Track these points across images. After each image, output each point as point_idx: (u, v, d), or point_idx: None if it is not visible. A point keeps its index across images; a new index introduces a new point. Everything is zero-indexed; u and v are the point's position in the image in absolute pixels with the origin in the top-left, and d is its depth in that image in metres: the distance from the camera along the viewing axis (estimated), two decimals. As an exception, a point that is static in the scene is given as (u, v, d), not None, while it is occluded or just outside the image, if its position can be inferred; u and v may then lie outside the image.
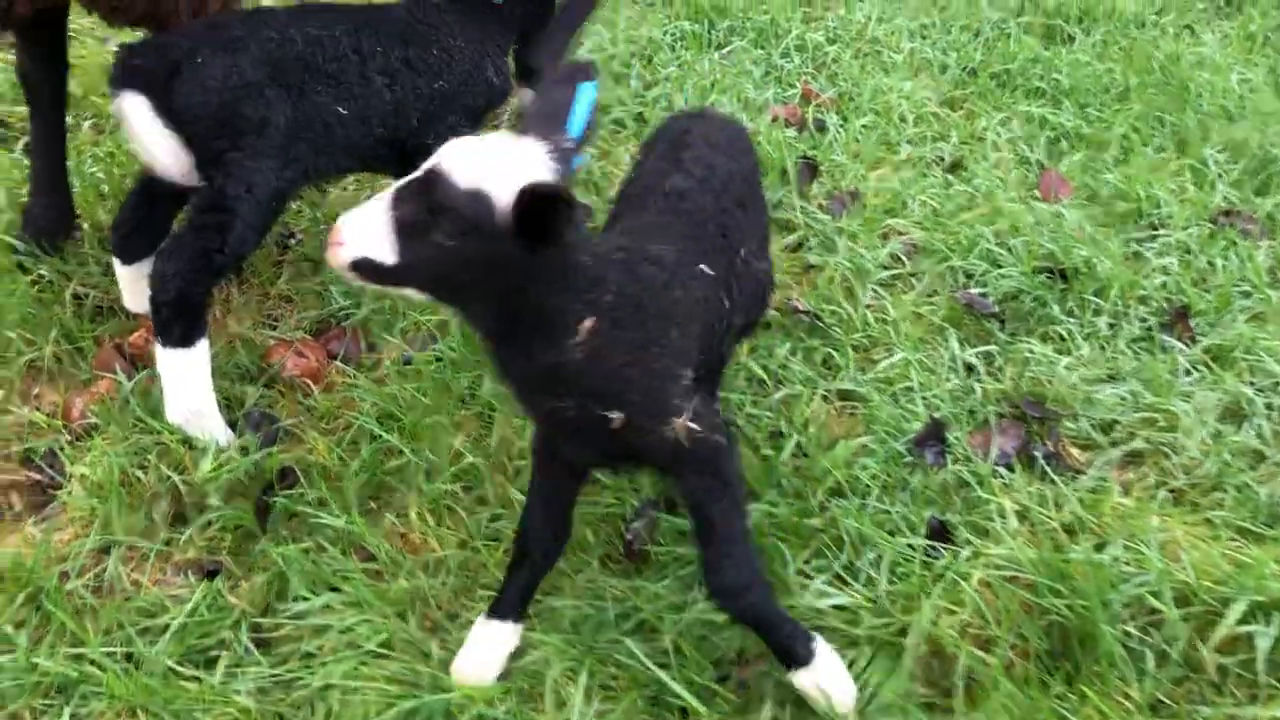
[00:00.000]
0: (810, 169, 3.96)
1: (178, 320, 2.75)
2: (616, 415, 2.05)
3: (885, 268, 3.53)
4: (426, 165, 1.87)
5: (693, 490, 2.17)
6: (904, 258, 3.59)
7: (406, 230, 1.84)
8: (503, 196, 1.83)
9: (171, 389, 2.82)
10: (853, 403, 3.06)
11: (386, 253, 1.85)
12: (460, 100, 3.10)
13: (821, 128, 4.31)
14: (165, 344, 2.77)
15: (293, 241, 3.55)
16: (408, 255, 1.85)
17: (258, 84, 2.72)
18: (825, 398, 3.06)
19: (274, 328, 3.25)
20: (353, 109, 2.88)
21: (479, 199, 1.83)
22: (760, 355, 3.14)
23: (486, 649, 2.31)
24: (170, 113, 2.72)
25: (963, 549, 2.55)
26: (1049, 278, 3.46)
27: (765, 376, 3.09)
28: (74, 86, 3.88)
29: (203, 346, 2.82)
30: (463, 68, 3.09)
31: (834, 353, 3.17)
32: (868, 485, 2.73)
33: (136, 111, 2.74)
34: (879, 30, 5.12)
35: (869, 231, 3.68)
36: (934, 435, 2.86)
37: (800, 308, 3.30)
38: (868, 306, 3.34)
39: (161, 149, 2.76)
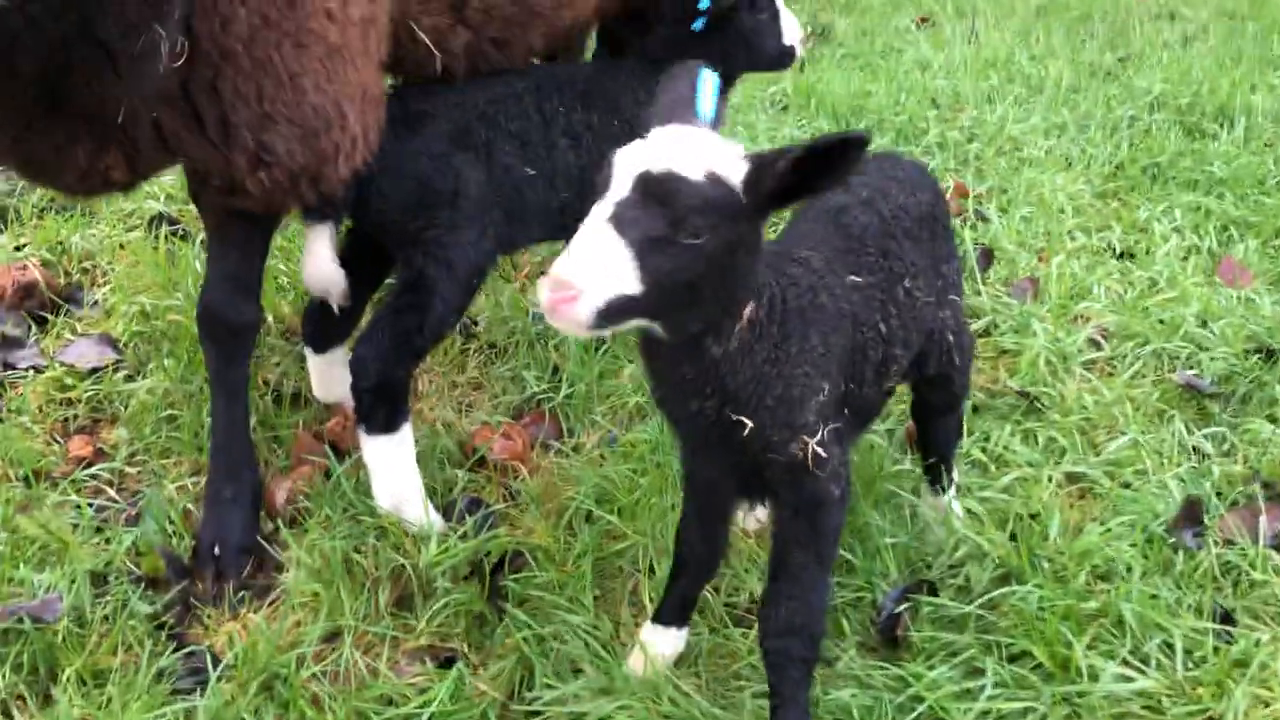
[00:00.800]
0: (987, 255, 3.89)
1: (381, 405, 2.67)
2: (747, 422, 1.95)
3: (1081, 351, 3.42)
4: (626, 175, 1.74)
5: (785, 525, 2.10)
6: (1101, 341, 3.48)
7: (649, 247, 1.69)
8: (734, 175, 1.76)
9: (379, 475, 2.72)
10: (1083, 485, 2.91)
11: (632, 282, 1.69)
12: None
13: (983, 218, 4.25)
14: (370, 430, 2.69)
15: (476, 328, 3.49)
16: (654, 274, 1.70)
17: (444, 154, 2.67)
18: (1054, 480, 2.90)
19: (468, 415, 3.16)
20: (541, 170, 2.81)
21: (718, 184, 1.74)
22: (978, 439, 3.00)
23: (654, 651, 2.35)
24: (364, 208, 2.69)
25: (1260, 633, 2.36)
26: (1262, 358, 3.33)
27: (987, 460, 2.95)
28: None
29: (406, 431, 2.73)
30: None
31: (1056, 435, 3.03)
32: (1128, 568, 2.56)
33: (320, 240, 2.72)
34: (1014, 129, 5.11)
35: (1058, 316, 3.57)
36: (1191, 517, 2.69)
37: (1015, 388, 3.18)
38: (1080, 389, 3.21)
39: (330, 278, 2.76)
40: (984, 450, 2.96)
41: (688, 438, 2.17)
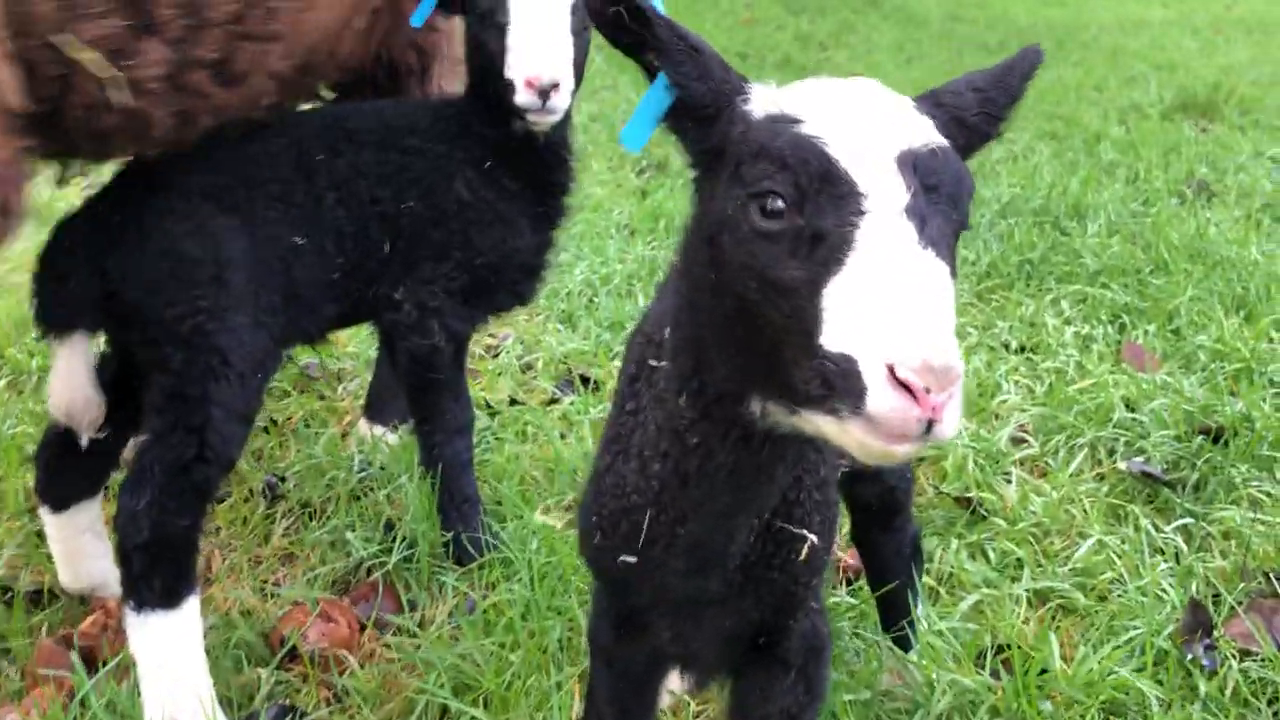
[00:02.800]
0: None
1: (156, 569, 1.97)
2: (809, 536, 1.40)
3: (1007, 451, 2.95)
4: (881, 157, 1.09)
5: (773, 696, 1.54)
6: (1027, 437, 3.02)
7: (950, 256, 1.09)
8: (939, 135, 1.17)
9: (150, 677, 1.99)
10: (1055, 602, 2.38)
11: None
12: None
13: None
14: (140, 606, 1.97)
15: (284, 486, 2.77)
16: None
17: (199, 216, 2.04)
18: (1019, 600, 2.36)
19: (274, 596, 2.42)
20: (311, 235, 2.18)
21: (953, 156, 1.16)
22: (926, 558, 2.44)
23: None
24: (109, 294, 2.02)
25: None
26: (1208, 440, 2.92)
27: (936, 584, 2.39)
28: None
29: (192, 609, 2.02)
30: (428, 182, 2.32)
31: (1010, 546, 2.51)
32: (1143, 697, 2.00)
33: (69, 350, 2.07)
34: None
35: (974, 415, 3.12)
36: (1197, 626, 2.18)
37: (951, 494, 2.66)
38: (1022, 491, 2.72)
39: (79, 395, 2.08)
40: (937, 573, 2.41)
41: (693, 595, 1.48)
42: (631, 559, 1.40)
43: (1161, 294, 4.02)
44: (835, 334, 1.02)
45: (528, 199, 2.36)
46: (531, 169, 2.35)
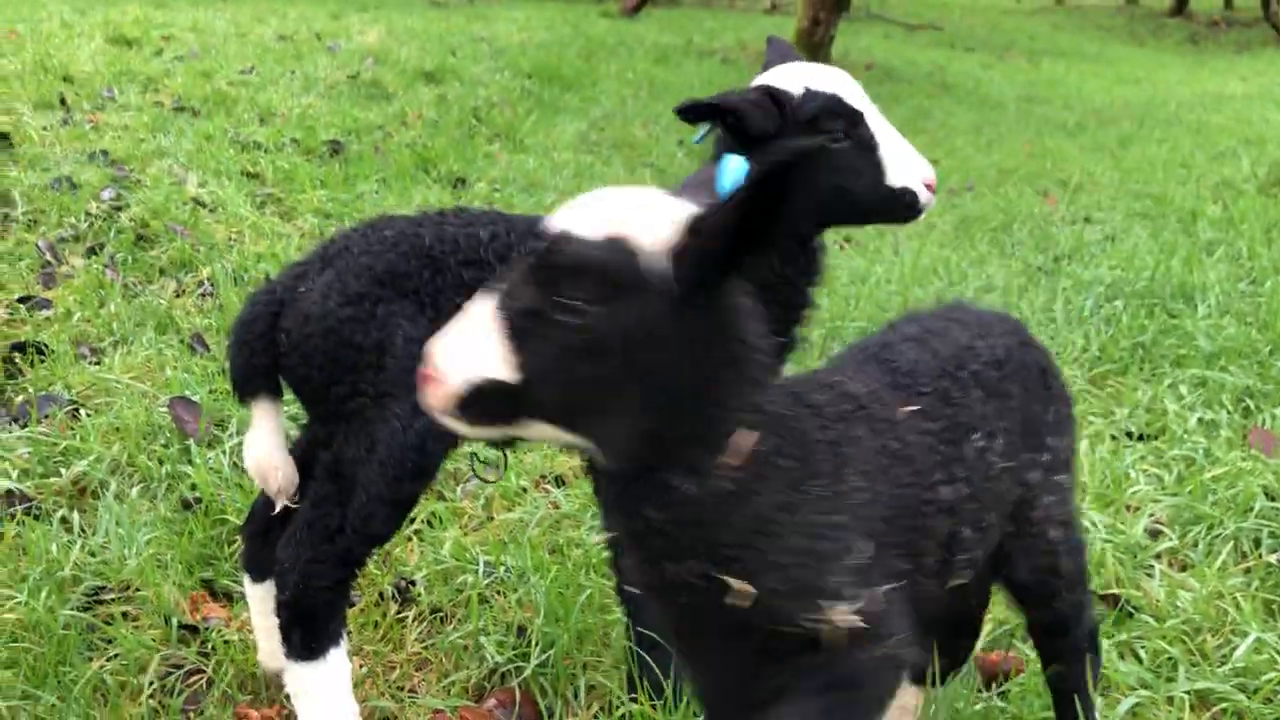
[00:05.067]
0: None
1: (296, 625, 2.06)
2: (738, 585, 1.42)
3: (1145, 545, 2.86)
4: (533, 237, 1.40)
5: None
6: (1165, 529, 2.93)
7: (526, 322, 1.33)
8: (652, 240, 1.33)
9: (304, 711, 2.11)
10: (1216, 707, 2.28)
11: (503, 367, 1.32)
12: None
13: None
14: (287, 655, 2.09)
15: (414, 590, 2.78)
16: (534, 358, 1.32)
17: (370, 300, 2.05)
18: (1176, 703, 2.27)
19: (412, 703, 2.42)
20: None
21: (617, 248, 1.32)
22: (1072, 657, 2.36)
23: None
24: (282, 364, 2.11)
25: None
26: (1362, 527, 2.81)
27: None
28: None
29: (336, 659, 2.09)
30: None
31: (1162, 644, 2.42)
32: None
33: (261, 414, 2.13)
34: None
35: (1104, 506, 3.04)
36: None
37: (1100, 592, 2.58)
38: (1169, 586, 2.63)
39: (267, 460, 2.13)
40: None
41: (674, 627, 1.59)
42: None
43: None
44: None
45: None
46: (783, 299, 2.25)
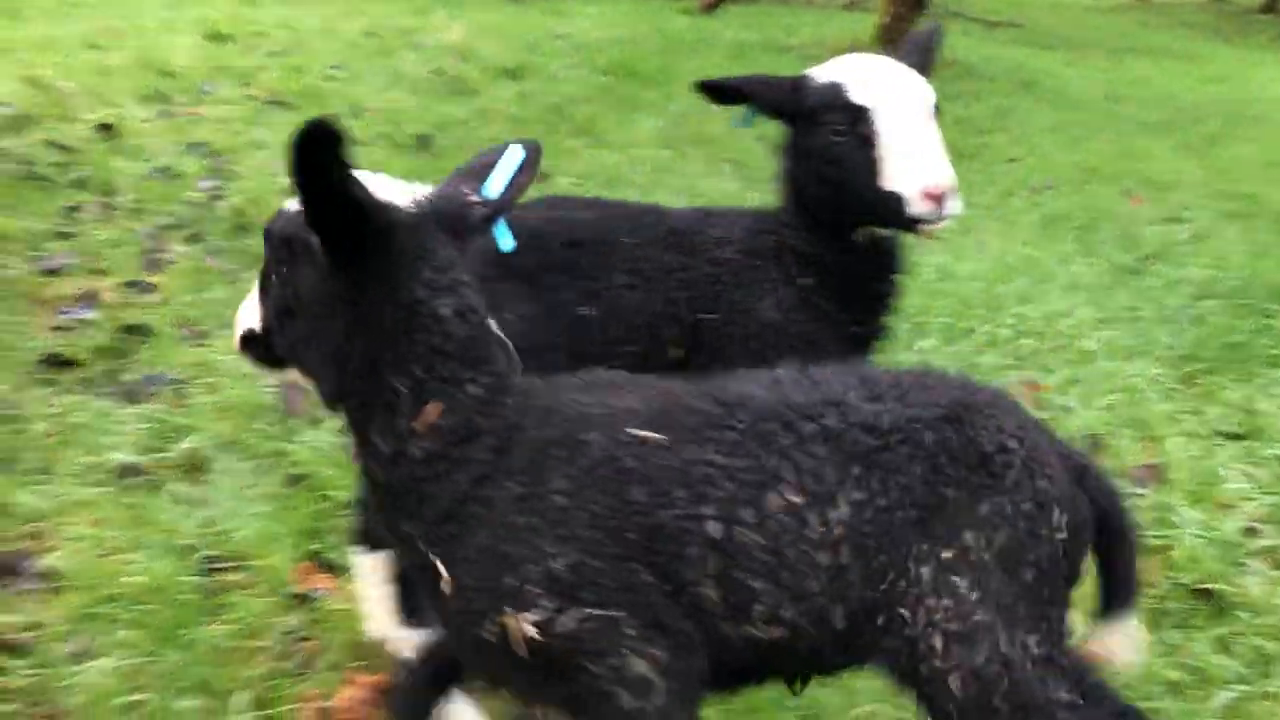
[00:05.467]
0: (1094, 444, 3.38)
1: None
2: (440, 567, 1.54)
3: (1241, 542, 2.85)
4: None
5: None
6: (1261, 526, 2.92)
7: (265, 283, 1.70)
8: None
9: None
10: (1314, 702, 2.27)
11: (255, 319, 1.73)
12: None
13: (1066, 409, 3.77)
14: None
15: None
16: (265, 311, 1.71)
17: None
18: (1271, 696, 2.27)
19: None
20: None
21: (296, 220, 1.60)
22: (1166, 651, 2.38)
23: None
24: None
25: None
26: None
27: (1183, 678, 2.31)
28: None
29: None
30: None
31: (1260, 641, 2.42)
32: None
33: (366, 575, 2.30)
34: (1064, 324, 4.73)
35: (1195, 502, 3.03)
36: None
37: (1189, 585, 2.58)
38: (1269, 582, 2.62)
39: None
40: (1181, 665, 2.34)
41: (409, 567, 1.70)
42: None
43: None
44: None
45: (842, 320, 2.26)
46: (852, 286, 2.25)
